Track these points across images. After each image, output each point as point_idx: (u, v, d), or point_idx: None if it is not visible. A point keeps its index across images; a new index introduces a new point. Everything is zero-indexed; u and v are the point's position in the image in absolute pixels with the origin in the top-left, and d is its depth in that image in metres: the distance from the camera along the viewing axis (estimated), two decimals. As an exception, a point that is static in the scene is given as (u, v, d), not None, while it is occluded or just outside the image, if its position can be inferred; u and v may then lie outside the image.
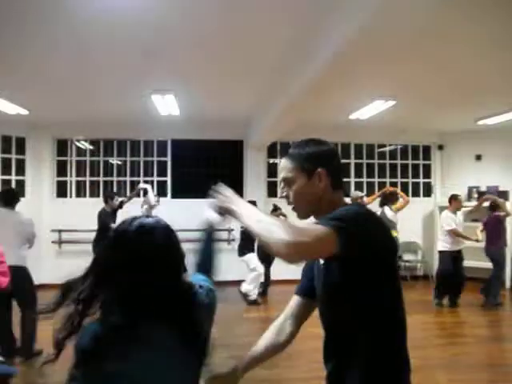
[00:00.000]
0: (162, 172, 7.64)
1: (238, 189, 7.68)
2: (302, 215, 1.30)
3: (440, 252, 5.82)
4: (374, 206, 6.41)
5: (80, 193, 7.50)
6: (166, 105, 5.63)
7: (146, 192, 6.24)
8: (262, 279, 6.20)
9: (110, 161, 7.63)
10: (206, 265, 1.38)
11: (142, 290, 1.11)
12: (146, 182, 7.55)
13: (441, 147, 8.06)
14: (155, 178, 7.64)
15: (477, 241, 5.80)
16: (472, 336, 4.76)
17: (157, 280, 1.13)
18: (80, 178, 7.50)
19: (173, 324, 1.12)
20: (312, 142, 1.29)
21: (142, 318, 1.11)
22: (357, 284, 1.13)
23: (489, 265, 5.93)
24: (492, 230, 5.86)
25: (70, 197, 7.47)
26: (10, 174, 7.10)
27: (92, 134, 7.43)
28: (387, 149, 8.17)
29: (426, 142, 8.14)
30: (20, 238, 3.87)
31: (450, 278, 5.62)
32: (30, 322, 3.79)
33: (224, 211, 1.26)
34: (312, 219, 1.30)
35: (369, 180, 8.04)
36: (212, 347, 1.21)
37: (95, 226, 5.74)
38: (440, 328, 5.16)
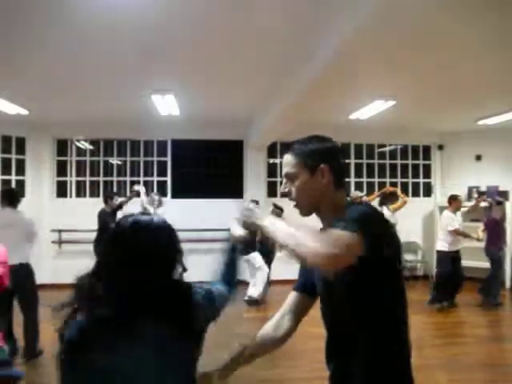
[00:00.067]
0: (162, 172, 7.64)
1: (238, 189, 7.69)
2: (304, 212, 1.29)
3: (438, 252, 5.80)
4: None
5: (80, 193, 7.50)
6: (166, 105, 5.63)
7: (138, 194, 6.19)
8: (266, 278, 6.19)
9: (110, 161, 7.63)
10: (226, 277, 1.39)
11: (135, 286, 1.12)
12: (144, 182, 7.57)
13: (441, 147, 8.06)
14: (155, 178, 7.64)
15: (477, 239, 5.80)
16: (472, 336, 4.76)
17: (151, 276, 1.14)
18: (80, 178, 7.50)
19: (167, 321, 1.12)
20: (316, 139, 1.29)
21: (134, 313, 1.11)
22: (359, 284, 1.13)
23: (487, 265, 5.93)
24: (491, 230, 5.87)
25: (70, 197, 7.47)
26: (10, 174, 7.10)
27: (92, 134, 7.43)
28: (387, 149, 8.17)
29: (426, 142, 8.14)
30: (24, 236, 3.91)
31: (450, 278, 5.62)
32: (33, 322, 3.80)
33: (251, 227, 1.26)
34: (314, 216, 1.31)
35: (369, 180, 8.04)
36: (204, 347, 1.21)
37: (95, 226, 5.74)
38: (440, 328, 5.16)
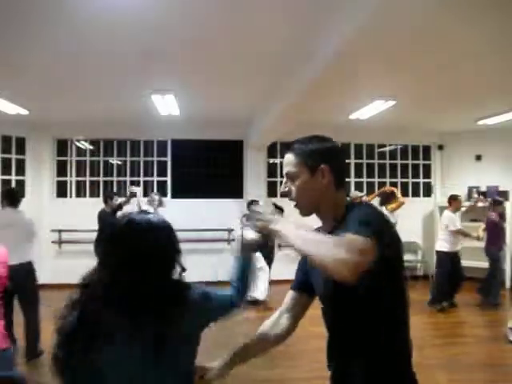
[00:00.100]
0: (162, 172, 7.64)
1: (238, 189, 7.69)
2: (304, 212, 1.29)
3: (438, 252, 5.79)
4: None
5: (80, 193, 7.50)
6: (166, 105, 5.63)
7: (134, 195, 6.14)
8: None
9: (110, 161, 7.63)
10: (238, 282, 1.38)
11: (134, 286, 1.13)
12: (144, 182, 7.57)
13: (441, 147, 8.06)
14: (155, 178, 7.64)
15: (477, 238, 5.81)
16: (472, 336, 4.76)
17: (149, 275, 1.14)
18: (80, 178, 7.50)
19: (165, 321, 1.12)
20: (316, 139, 1.29)
21: (133, 313, 1.12)
22: (361, 284, 1.12)
23: (487, 265, 5.94)
24: (491, 230, 5.88)
25: (70, 197, 7.47)
26: (10, 174, 7.11)
27: (92, 134, 7.43)
28: (387, 149, 8.17)
29: (426, 142, 8.14)
30: (25, 236, 3.93)
31: (450, 279, 5.62)
32: (34, 322, 3.81)
33: (264, 231, 1.23)
34: (314, 217, 1.31)
35: (369, 180, 8.04)
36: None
37: (95, 226, 5.74)
38: (440, 328, 5.16)
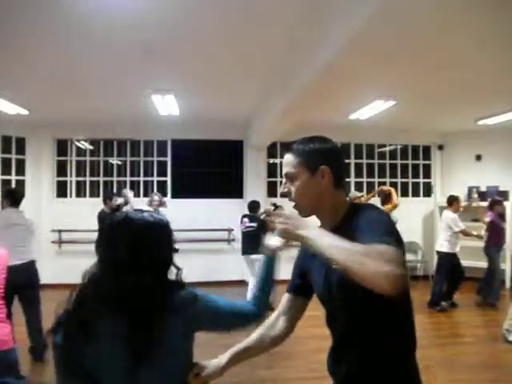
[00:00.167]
0: (162, 172, 7.64)
1: (238, 189, 7.69)
2: (304, 213, 1.28)
3: (439, 252, 5.79)
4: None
5: (80, 193, 7.50)
6: (166, 105, 5.63)
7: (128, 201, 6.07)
8: None
9: (110, 161, 7.63)
10: (260, 290, 1.35)
11: (121, 286, 1.14)
12: (144, 182, 7.57)
13: (441, 147, 8.06)
14: (155, 178, 7.64)
15: (478, 237, 5.81)
16: (472, 336, 4.76)
17: (134, 271, 1.15)
18: (80, 178, 7.49)
19: (140, 318, 1.13)
20: (316, 139, 1.28)
21: (111, 307, 1.14)
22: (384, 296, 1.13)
23: (486, 264, 5.93)
24: (490, 230, 5.88)
25: (70, 197, 7.47)
26: (10, 174, 7.11)
27: (92, 134, 7.43)
28: (387, 149, 8.17)
29: (426, 142, 8.14)
30: (26, 236, 3.95)
31: (452, 278, 5.63)
32: (36, 321, 3.82)
33: (289, 237, 1.16)
34: (314, 218, 1.31)
35: (369, 180, 8.04)
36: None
37: (95, 226, 5.74)
38: (440, 328, 5.16)
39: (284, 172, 1.29)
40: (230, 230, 7.25)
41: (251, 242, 5.80)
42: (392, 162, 8.15)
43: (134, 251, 1.17)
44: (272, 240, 1.28)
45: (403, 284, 0.96)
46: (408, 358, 1.24)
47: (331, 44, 2.93)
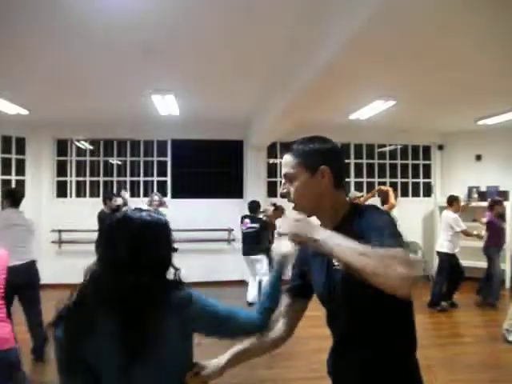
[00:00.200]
0: (162, 172, 7.64)
1: (238, 189, 7.69)
2: (304, 214, 1.26)
3: (440, 253, 5.78)
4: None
5: (80, 193, 7.50)
6: (166, 105, 5.63)
7: (126, 203, 6.05)
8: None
9: (110, 161, 7.63)
10: (267, 301, 1.33)
11: (120, 285, 1.15)
12: (144, 182, 7.57)
13: (441, 147, 8.06)
14: (155, 178, 7.64)
15: (478, 236, 5.81)
16: (472, 336, 4.76)
17: (132, 270, 1.15)
18: (80, 178, 7.49)
19: (134, 316, 1.13)
20: (316, 139, 1.28)
21: (108, 305, 1.15)
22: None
23: (486, 264, 5.94)
24: (489, 230, 5.88)
25: (70, 197, 7.47)
26: (10, 174, 7.11)
27: (92, 134, 7.42)
28: (387, 149, 8.17)
29: (426, 142, 8.14)
30: (26, 236, 3.95)
31: (452, 278, 5.63)
32: (37, 321, 3.82)
33: (300, 241, 1.13)
34: (315, 219, 1.30)
35: (369, 180, 8.04)
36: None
37: (95, 226, 5.74)
38: (440, 328, 5.16)
39: (283, 173, 1.29)
40: (230, 230, 7.25)
41: (252, 242, 5.80)
42: (392, 161, 8.15)
43: (133, 250, 1.17)
44: (282, 245, 1.24)
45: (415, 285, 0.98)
46: (409, 357, 1.24)
47: (331, 44, 2.93)
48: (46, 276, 5.90)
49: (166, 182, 7.64)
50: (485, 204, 6.42)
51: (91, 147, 7.61)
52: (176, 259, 1.28)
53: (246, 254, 5.91)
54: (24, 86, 4.93)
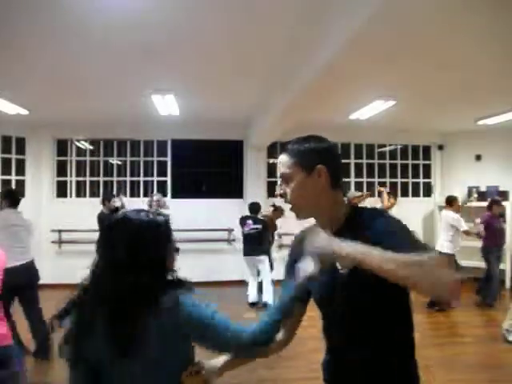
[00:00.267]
0: (162, 172, 7.64)
1: (238, 189, 7.69)
2: (302, 215, 1.26)
3: (441, 253, 5.78)
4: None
5: (80, 193, 7.50)
6: (166, 105, 5.63)
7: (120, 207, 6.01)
8: None
9: (110, 161, 7.63)
10: (272, 321, 1.28)
11: (119, 285, 1.16)
12: (144, 182, 7.57)
13: (441, 147, 8.06)
14: (155, 178, 7.64)
15: (478, 236, 5.81)
16: (472, 336, 4.76)
17: (130, 271, 1.16)
18: (80, 178, 7.50)
19: (126, 316, 1.14)
20: (312, 139, 1.26)
21: (104, 306, 1.16)
22: (371, 286, 1.12)
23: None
24: (486, 230, 5.88)
25: (70, 197, 7.47)
26: (10, 174, 7.11)
27: (92, 134, 7.42)
28: (387, 149, 8.17)
29: (426, 142, 8.14)
30: (25, 236, 3.96)
31: None
32: (38, 321, 3.83)
33: (326, 259, 1.08)
34: (313, 220, 1.30)
35: (369, 180, 8.04)
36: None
37: (95, 227, 5.73)
38: (439, 328, 5.16)
39: (280, 173, 1.27)
40: (230, 230, 7.25)
41: (255, 243, 5.80)
42: (392, 161, 8.15)
43: (132, 251, 1.17)
44: (308, 265, 1.15)
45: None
46: (408, 356, 1.24)
47: (331, 44, 2.93)
48: (45, 276, 5.90)
49: (165, 182, 7.64)
50: (485, 204, 6.41)
51: (91, 147, 7.61)
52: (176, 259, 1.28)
53: (247, 255, 5.90)
54: (24, 85, 4.93)
